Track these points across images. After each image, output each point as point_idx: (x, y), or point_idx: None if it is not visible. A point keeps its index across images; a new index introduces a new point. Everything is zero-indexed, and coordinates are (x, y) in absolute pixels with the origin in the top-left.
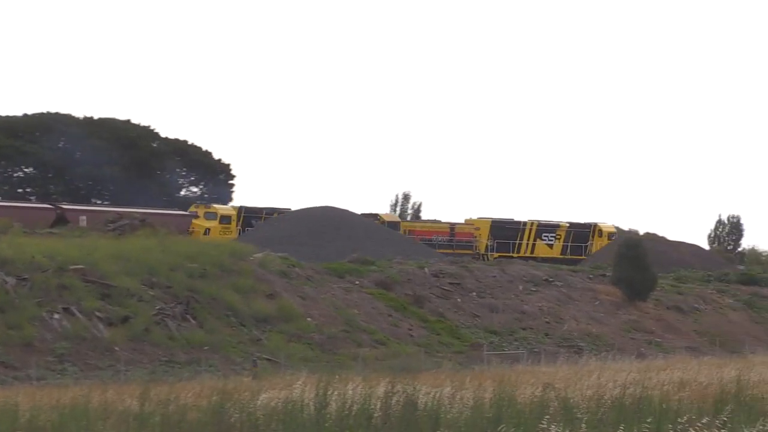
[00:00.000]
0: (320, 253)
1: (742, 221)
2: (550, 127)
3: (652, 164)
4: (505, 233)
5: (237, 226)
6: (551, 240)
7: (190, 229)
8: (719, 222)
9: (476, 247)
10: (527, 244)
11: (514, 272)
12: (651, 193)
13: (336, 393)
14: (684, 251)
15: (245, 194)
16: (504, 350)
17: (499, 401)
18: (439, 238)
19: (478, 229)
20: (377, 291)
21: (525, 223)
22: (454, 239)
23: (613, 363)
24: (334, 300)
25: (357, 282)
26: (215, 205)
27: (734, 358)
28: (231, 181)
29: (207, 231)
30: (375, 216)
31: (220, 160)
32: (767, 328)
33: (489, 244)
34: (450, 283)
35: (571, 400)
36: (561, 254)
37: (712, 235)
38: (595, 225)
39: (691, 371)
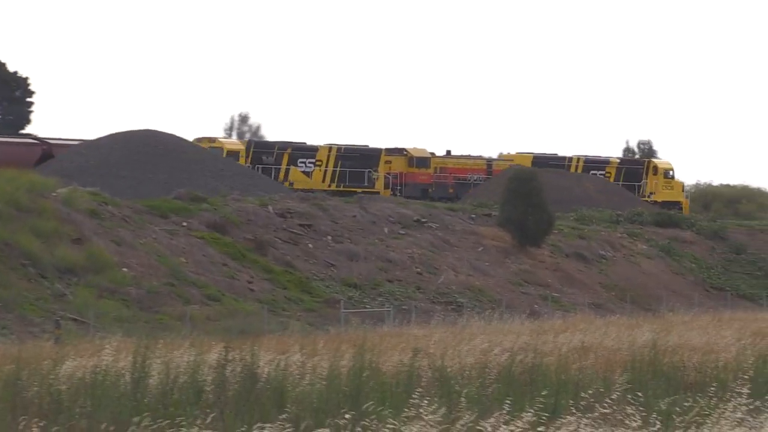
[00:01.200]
0: (140, 189)
1: (654, 147)
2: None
3: (548, 84)
4: (549, 170)
5: (246, 163)
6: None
7: None
8: (627, 150)
9: None
10: None
11: (378, 211)
12: (545, 117)
13: (158, 361)
14: (588, 185)
15: (45, 118)
16: (366, 307)
17: (359, 371)
18: (475, 177)
19: (519, 166)
20: (209, 235)
21: (570, 159)
22: (491, 178)
23: (501, 323)
24: (156, 246)
25: (185, 224)
26: (221, 138)
27: (649, 317)
28: (29, 99)
29: None
30: (403, 150)
31: (16, 72)
32: (689, 281)
33: None
34: (300, 225)
35: (449, 370)
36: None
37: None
38: (650, 161)
39: (596, 333)
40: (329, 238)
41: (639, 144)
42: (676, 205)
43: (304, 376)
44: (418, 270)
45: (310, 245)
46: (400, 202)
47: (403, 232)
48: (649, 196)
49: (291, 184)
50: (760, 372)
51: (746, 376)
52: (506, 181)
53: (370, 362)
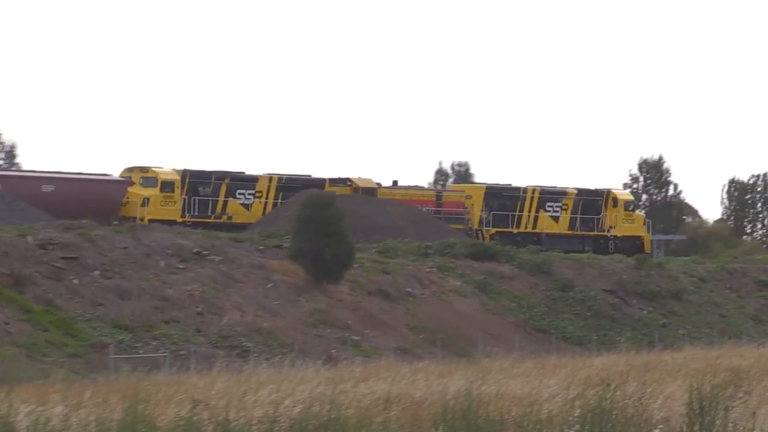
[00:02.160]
0: None
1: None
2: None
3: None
4: (503, 202)
5: (182, 194)
6: (556, 211)
7: (125, 200)
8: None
9: (469, 220)
10: (528, 216)
11: (153, 242)
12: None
13: None
14: (392, 212)
15: None
16: (138, 353)
17: (131, 425)
18: (424, 209)
19: (469, 197)
20: None
21: (525, 190)
22: (441, 210)
23: (293, 371)
24: None
25: None
26: (154, 168)
27: (463, 363)
28: None
29: (146, 201)
30: (347, 180)
31: None
32: (508, 321)
33: (484, 216)
34: (63, 258)
35: (233, 424)
36: (569, 229)
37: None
38: (609, 192)
39: (402, 382)
40: (97, 273)
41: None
42: (637, 239)
43: (68, 430)
44: (199, 309)
45: (75, 281)
46: (178, 231)
47: (182, 267)
48: (608, 231)
49: (230, 217)
50: (587, 426)
51: (572, 431)
52: (299, 207)
53: (144, 415)
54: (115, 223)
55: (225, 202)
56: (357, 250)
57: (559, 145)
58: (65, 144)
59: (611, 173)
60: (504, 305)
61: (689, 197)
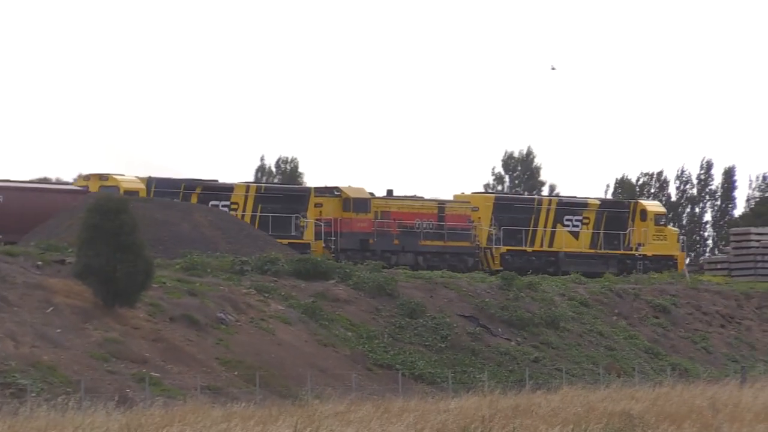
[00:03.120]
0: None
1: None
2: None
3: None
4: (514, 216)
5: None
6: (576, 225)
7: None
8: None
9: (476, 237)
10: (544, 232)
11: None
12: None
13: None
14: (200, 219)
15: None
16: None
17: None
18: (426, 224)
19: (476, 209)
20: None
21: (540, 201)
22: (444, 225)
23: (80, 414)
24: None
25: None
26: (115, 175)
27: (288, 407)
28: None
29: None
30: (334, 189)
31: None
32: (344, 355)
33: (493, 233)
34: None
35: None
36: (590, 247)
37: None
38: (636, 203)
39: (212, 429)
40: None
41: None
42: (670, 260)
43: None
44: None
45: None
46: None
47: None
48: (636, 249)
49: None
50: None
51: None
52: (84, 214)
53: None
54: None
55: None
56: (157, 267)
57: (409, 144)
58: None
59: (472, 173)
60: (338, 335)
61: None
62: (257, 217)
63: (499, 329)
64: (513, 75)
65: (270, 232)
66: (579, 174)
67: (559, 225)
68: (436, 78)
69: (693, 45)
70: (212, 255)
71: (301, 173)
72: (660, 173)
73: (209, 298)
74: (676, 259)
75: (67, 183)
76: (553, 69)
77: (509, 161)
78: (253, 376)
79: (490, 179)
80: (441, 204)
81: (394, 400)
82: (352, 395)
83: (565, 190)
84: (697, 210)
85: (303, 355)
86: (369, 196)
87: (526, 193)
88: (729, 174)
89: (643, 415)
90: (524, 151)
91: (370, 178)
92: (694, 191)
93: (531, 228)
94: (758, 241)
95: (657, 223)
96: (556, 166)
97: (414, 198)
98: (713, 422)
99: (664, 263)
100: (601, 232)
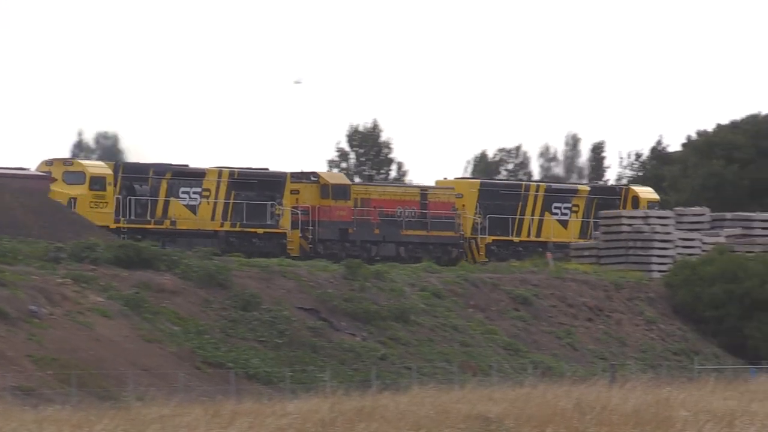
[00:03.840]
0: None
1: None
2: None
3: None
4: (500, 203)
5: (114, 193)
6: (565, 213)
7: None
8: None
9: (460, 226)
10: (531, 220)
11: None
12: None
13: None
14: (8, 199)
15: None
16: None
17: None
18: (408, 212)
19: (460, 196)
20: None
21: (528, 187)
22: (427, 213)
23: None
24: None
25: None
26: (80, 160)
27: (107, 409)
28: None
29: (73, 201)
30: (311, 175)
31: None
32: (170, 352)
33: (478, 221)
34: None
35: None
36: (580, 236)
37: None
38: (628, 189)
39: None
40: None
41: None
42: None
43: None
44: None
45: None
46: None
47: None
48: None
49: (173, 222)
50: None
51: None
52: None
53: None
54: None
55: (166, 203)
56: None
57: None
58: None
59: (315, 148)
60: (164, 329)
61: (420, 179)
62: (230, 205)
63: (343, 323)
64: (358, 41)
65: (245, 221)
66: (434, 151)
67: (547, 213)
68: (274, 43)
69: (554, 15)
70: (24, 240)
71: (122, 150)
72: (518, 148)
73: (20, 288)
74: None
75: (26, 169)
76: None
77: (354, 136)
78: (69, 376)
79: (335, 155)
80: (423, 190)
81: (226, 402)
82: (179, 397)
83: (417, 169)
84: None
85: (124, 352)
86: (349, 183)
87: (509, 179)
88: (597, 150)
89: (502, 418)
90: (369, 125)
91: (197, 152)
92: (560, 169)
93: (518, 216)
94: (630, 225)
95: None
96: (407, 142)
97: (396, 184)
98: (579, 426)
99: None
100: (591, 220)
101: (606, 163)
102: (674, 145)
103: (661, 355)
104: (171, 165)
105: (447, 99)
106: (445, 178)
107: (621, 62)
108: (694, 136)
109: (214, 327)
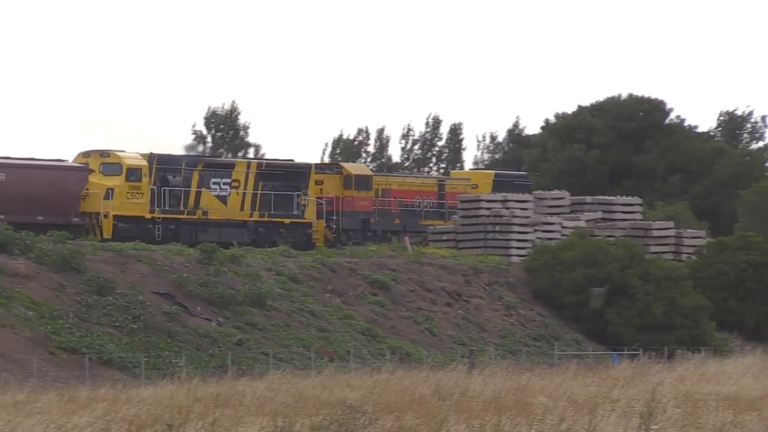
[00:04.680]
0: None
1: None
2: None
3: None
4: (514, 193)
5: (150, 184)
6: None
7: (85, 191)
8: None
9: None
10: None
11: None
12: None
13: None
14: None
15: None
16: None
17: None
18: (426, 202)
19: (475, 186)
20: None
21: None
22: (445, 204)
23: None
24: None
25: None
26: (116, 152)
27: None
28: None
29: (110, 192)
30: (335, 166)
31: None
32: (23, 337)
33: None
34: None
35: None
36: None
37: None
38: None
39: None
40: None
41: None
42: None
43: None
44: None
45: None
46: None
47: None
48: None
49: (205, 212)
50: None
51: None
52: None
53: None
54: (76, 220)
55: (198, 194)
56: None
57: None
58: None
59: (170, 131)
60: (17, 314)
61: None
62: (258, 196)
63: (198, 308)
64: (216, 23)
65: (272, 211)
66: (291, 133)
67: None
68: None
69: None
70: None
71: None
72: (367, 129)
73: None
74: None
75: (63, 160)
76: None
77: (212, 118)
78: None
79: (191, 138)
80: (441, 181)
81: (81, 388)
82: (32, 383)
83: (273, 152)
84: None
85: None
86: (371, 173)
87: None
88: (455, 132)
89: (361, 404)
90: (227, 107)
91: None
92: (419, 151)
93: None
94: (489, 209)
95: None
96: (264, 125)
97: (415, 174)
98: (438, 412)
99: None
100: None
101: (463, 145)
102: (532, 127)
103: (520, 341)
104: (203, 156)
105: (306, 80)
106: (462, 170)
107: (482, 42)
108: (552, 119)
109: (68, 312)
